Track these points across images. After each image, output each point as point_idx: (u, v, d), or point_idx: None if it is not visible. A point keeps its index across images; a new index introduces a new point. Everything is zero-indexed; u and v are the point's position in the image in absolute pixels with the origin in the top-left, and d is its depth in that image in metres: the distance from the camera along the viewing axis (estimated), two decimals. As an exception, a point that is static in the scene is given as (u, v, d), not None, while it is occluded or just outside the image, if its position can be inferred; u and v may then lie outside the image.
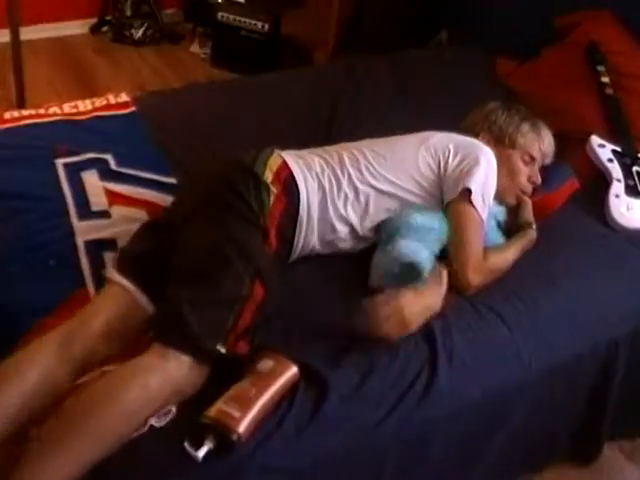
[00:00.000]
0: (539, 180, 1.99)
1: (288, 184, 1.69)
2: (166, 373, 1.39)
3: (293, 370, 1.47)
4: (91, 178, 1.95)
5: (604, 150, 2.22)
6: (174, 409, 1.41)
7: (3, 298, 1.65)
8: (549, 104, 2.41)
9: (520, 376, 1.70)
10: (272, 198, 1.64)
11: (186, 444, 1.34)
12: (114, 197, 1.90)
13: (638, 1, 2.55)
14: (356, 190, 1.75)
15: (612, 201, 2.09)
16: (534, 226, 1.90)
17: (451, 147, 1.84)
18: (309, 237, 1.73)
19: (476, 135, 1.98)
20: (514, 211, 1.96)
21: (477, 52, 2.85)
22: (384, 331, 1.55)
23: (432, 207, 1.80)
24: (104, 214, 1.86)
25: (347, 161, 1.79)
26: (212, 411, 1.37)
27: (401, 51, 2.89)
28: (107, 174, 1.97)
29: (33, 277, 1.68)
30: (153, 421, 1.38)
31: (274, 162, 1.71)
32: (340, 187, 1.74)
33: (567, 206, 2.08)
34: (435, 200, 1.82)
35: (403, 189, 1.79)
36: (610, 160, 2.19)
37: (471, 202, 1.75)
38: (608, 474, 2.08)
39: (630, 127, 2.31)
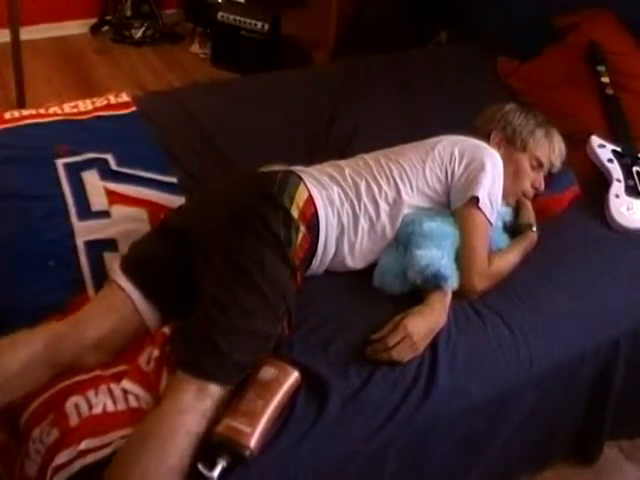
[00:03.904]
0: (542, 187, 1.99)
1: (312, 223, 1.68)
2: (203, 413, 1.37)
3: (295, 375, 1.47)
4: (91, 178, 1.95)
5: (604, 150, 2.22)
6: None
7: (3, 298, 1.65)
8: (549, 104, 2.41)
9: (520, 376, 1.70)
10: (300, 237, 1.62)
11: (200, 465, 1.32)
12: (114, 197, 1.90)
13: (638, 1, 2.56)
14: (372, 222, 1.76)
15: (612, 201, 2.09)
16: (534, 228, 1.90)
17: (456, 153, 1.84)
18: (319, 268, 1.75)
19: (488, 133, 1.99)
20: (515, 212, 1.96)
21: (477, 52, 2.85)
22: (394, 358, 1.56)
23: (441, 212, 1.81)
24: (104, 214, 1.85)
25: (363, 191, 1.77)
26: (221, 428, 1.35)
27: (401, 51, 2.89)
28: (107, 174, 1.97)
29: (33, 277, 1.68)
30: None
31: (300, 197, 1.67)
32: (357, 222, 1.75)
33: (567, 207, 2.08)
34: (444, 207, 1.83)
35: (416, 207, 1.80)
36: (610, 160, 2.19)
37: (479, 208, 1.76)
38: (608, 474, 2.08)
39: (630, 127, 2.31)
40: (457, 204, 1.80)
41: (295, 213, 1.63)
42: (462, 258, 1.74)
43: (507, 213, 1.93)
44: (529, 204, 1.97)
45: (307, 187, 1.71)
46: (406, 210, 1.78)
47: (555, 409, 1.86)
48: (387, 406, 1.52)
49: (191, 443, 1.34)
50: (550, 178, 2.03)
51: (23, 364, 1.45)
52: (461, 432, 1.66)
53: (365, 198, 1.77)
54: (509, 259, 1.83)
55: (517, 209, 1.97)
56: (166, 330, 1.57)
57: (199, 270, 1.57)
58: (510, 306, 1.77)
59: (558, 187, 2.05)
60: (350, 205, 1.75)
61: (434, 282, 1.66)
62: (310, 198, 1.69)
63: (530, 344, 1.72)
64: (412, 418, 1.53)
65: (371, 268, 1.77)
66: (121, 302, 1.57)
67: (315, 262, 1.72)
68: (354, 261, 1.77)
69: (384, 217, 1.77)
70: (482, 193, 1.77)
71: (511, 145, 1.97)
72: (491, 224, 1.79)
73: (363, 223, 1.75)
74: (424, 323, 1.61)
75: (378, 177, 1.80)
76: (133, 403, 1.45)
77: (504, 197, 1.91)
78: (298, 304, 1.60)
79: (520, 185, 1.96)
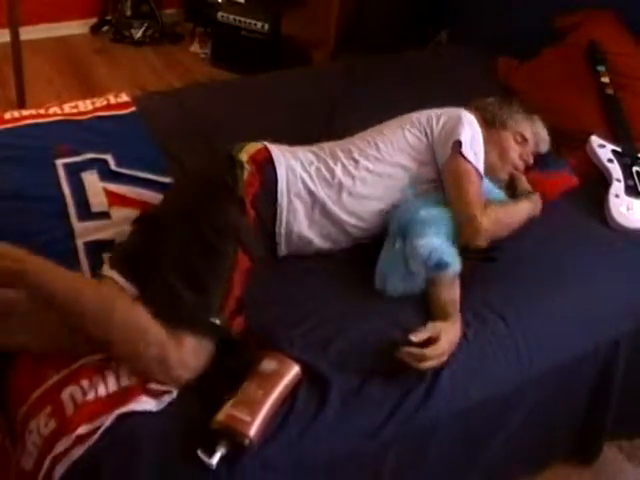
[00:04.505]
0: (531, 160, 2.01)
1: (264, 165, 1.73)
2: (165, 344, 1.42)
3: (295, 369, 1.48)
4: (91, 178, 1.95)
5: (604, 150, 2.22)
6: (175, 392, 1.43)
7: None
8: (549, 104, 2.40)
9: (520, 376, 1.70)
10: (246, 174, 1.69)
11: (199, 452, 1.33)
12: (114, 198, 1.90)
13: (638, 1, 2.56)
14: (353, 177, 1.78)
15: (612, 201, 2.09)
16: (537, 195, 1.91)
17: (433, 115, 1.90)
18: (292, 224, 1.74)
19: None
20: (510, 188, 1.98)
21: (477, 52, 2.85)
22: (422, 368, 1.54)
23: (433, 197, 1.81)
24: (104, 215, 1.86)
25: (339, 153, 1.82)
26: (222, 416, 1.37)
27: (401, 51, 2.89)
28: (107, 174, 1.97)
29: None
30: (152, 405, 1.40)
31: (253, 147, 1.77)
32: (334, 176, 1.77)
33: (567, 206, 2.08)
34: (431, 169, 1.84)
35: (398, 165, 1.82)
36: (610, 160, 2.19)
37: (464, 156, 1.78)
38: (608, 474, 2.08)
39: (630, 127, 2.31)
40: (442, 158, 1.82)
41: (243, 157, 1.72)
42: (458, 203, 1.75)
43: (499, 194, 1.92)
44: (523, 177, 1.98)
45: (265, 144, 1.79)
46: (389, 169, 1.81)
47: (555, 409, 1.86)
48: (387, 405, 1.52)
49: (132, 328, 1.43)
50: (542, 162, 2.04)
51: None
52: (461, 432, 1.66)
53: (343, 158, 1.81)
54: (511, 207, 1.85)
55: (511, 184, 1.98)
56: None
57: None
58: (510, 306, 1.76)
59: (547, 169, 2.06)
60: (323, 163, 1.80)
61: (438, 270, 1.67)
62: (265, 148, 1.77)
63: (530, 344, 1.71)
64: (412, 418, 1.53)
65: (371, 268, 1.77)
66: (109, 286, 1.60)
67: (281, 211, 1.71)
68: (344, 213, 1.76)
69: (365, 173, 1.79)
70: (463, 139, 1.79)
71: (491, 126, 2.00)
72: (481, 176, 1.80)
73: (342, 179, 1.77)
74: (453, 339, 1.60)
75: (358, 142, 1.86)
76: (125, 381, 1.45)
77: (495, 173, 1.94)
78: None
79: (508, 159, 1.98)
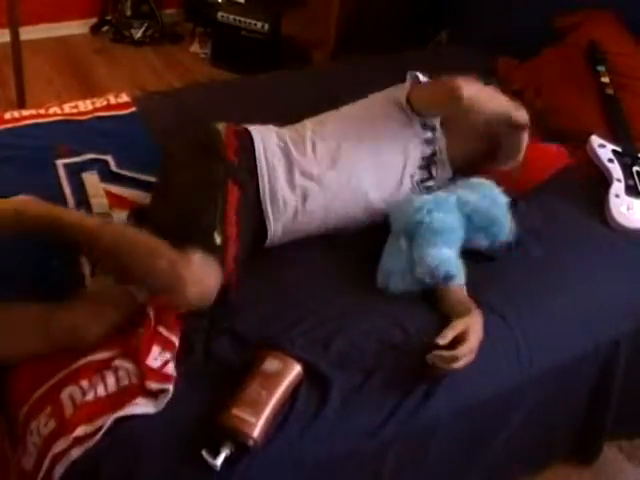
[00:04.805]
0: None
1: (241, 136, 1.81)
2: (177, 260, 1.47)
3: (297, 369, 1.48)
4: (92, 179, 1.95)
5: (604, 150, 2.22)
6: (171, 388, 1.43)
7: (4, 299, 1.64)
8: (549, 104, 2.41)
9: (520, 376, 1.70)
10: (222, 135, 1.80)
11: (204, 452, 1.33)
12: (114, 199, 1.90)
13: (638, 1, 2.56)
14: (322, 135, 1.85)
15: (612, 201, 2.09)
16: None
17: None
18: (275, 187, 1.76)
19: None
20: None
21: (477, 52, 2.85)
22: (454, 368, 1.53)
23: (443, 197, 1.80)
24: (105, 216, 1.85)
25: (309, 123, 1.91)
26: (226, 417, 1.37)
27: (401, 51, 2.89)
28: (107, 175, 1.98)
29: (34, 278, 1.68)
30: (150, 408, 1.40)
31: (230, 124, 1.85)
32: (305, 139, 1.84)
33: (567, 206, 2.08)
34: (401, 122, 1.88)
35: (367, 120, 1.90)
36: (610, 160, 2.19)
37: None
38: (608, 474, 2.09)
39: (630, 127, 2.31)
40: (404, 92, 1.88)
41: (220, 127, 1.82)
42: (438, 92, 1.84)
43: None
44: None
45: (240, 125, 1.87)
46: (357, 125, 1.88)
47: (555, 409, 1.86)
48: (388, 405, 1.53)
49: (154, 255, 1.48)
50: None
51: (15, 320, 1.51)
52: (461, 432, 1.66)
53: (314, 125, 1.89)
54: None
55: None
56: (150, 312, 1.56)
57: None
58: (510, 306, 1.77)
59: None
60: (295, 131, 1.88)
61: (443, 282, 1.67)
62: (240, 126, 1.86)
63: (530, 344, 1.72)
64: (412, 417, 1.53)
65: (371, 267, 1.77)
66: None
67: (262, 173, 1.76)
68: (321, 168, 1.80)
69: (332, 132, 1.86)
70: (421, 77, 1.88)
71: None
72: None
73: (311, 136, 1.84)
74: (479, 333, 1.59)
75: (330, 117, 1.94)
76: (124, 381, 1.46)
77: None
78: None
79: None
